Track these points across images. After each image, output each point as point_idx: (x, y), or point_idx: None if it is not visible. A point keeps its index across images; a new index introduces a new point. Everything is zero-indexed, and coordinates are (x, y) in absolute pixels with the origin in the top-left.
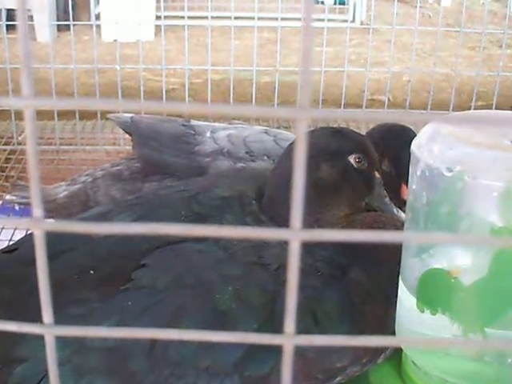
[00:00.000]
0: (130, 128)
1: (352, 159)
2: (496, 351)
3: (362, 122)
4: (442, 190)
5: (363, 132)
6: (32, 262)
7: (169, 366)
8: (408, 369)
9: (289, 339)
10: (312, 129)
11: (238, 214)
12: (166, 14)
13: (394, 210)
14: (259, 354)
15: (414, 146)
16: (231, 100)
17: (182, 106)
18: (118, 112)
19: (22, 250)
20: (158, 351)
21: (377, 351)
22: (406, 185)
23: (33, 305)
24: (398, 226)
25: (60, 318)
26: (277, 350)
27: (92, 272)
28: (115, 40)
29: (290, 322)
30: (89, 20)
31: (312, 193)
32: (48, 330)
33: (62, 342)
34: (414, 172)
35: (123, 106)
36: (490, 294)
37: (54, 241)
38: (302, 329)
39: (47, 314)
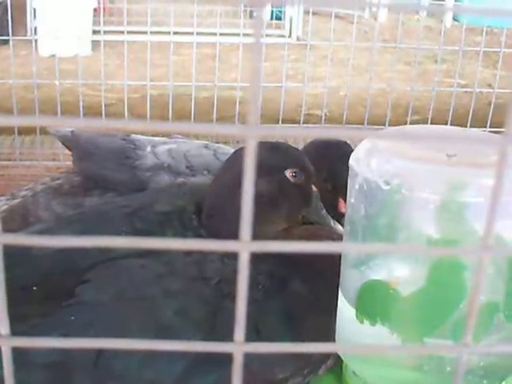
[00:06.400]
0: (70, 142)
1: (288, 174)
2: (435, 360)
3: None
4: (380, 203)
5: (300, 147)
6: None
7: (113, 379)
8: (349, 379)
9: (238, 347)
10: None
11: (178, 230)
12: (104, 28)
13: (331, 222)
14: (202, 368)
15: (352, 160)
16: (170, 115)
17: (122, 123)
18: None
19: None
20: (102, 365)
21: (318, 362)
22: (343, 198)
23: None
24: (335, 238)
25: None
26: (219, 364)
27: (35, 288)
28: (53, 55)
29: (239, 330)
30: (25, 34)
31: None
32: (4, 341)
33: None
34: (353, 186)
35: (61, 122)
36: (428, 304)
37: None
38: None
39: (3, 325)
